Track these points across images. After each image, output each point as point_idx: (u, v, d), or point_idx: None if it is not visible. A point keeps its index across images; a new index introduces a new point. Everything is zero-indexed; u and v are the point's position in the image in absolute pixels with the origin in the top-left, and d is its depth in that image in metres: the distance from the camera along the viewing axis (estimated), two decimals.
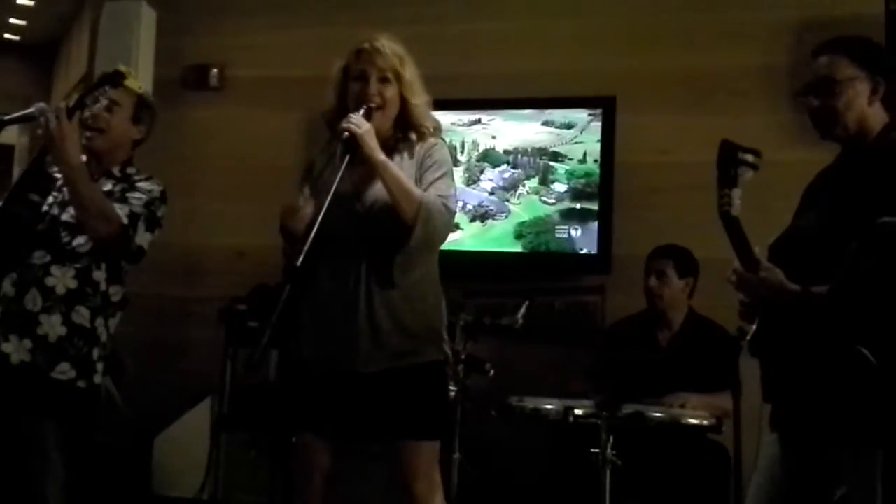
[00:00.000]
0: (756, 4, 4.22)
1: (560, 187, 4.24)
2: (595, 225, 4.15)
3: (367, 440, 2.51)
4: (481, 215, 4.30)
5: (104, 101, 2.77)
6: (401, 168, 2.47)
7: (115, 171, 2.83)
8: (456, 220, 4.11)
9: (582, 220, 4.18)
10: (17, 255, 2.67)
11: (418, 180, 2.48)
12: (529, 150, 4.30)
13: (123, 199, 2.72)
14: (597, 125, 4.23)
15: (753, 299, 2.22)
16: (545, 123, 4.32)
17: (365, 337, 2.42)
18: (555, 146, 4.28)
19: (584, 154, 4.22)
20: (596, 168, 4.19)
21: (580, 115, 4.25)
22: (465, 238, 4.27)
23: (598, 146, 4.20)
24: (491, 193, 4.31)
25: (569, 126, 4.27)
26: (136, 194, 2.76)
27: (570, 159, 4.24)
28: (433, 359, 2.50)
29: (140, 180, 2.82)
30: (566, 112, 4.28)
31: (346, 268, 2.44)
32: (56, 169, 2.75)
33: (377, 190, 2.45)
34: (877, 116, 2.21)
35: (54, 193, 2.78)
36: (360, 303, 2.42)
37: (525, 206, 4.24)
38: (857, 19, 3.66)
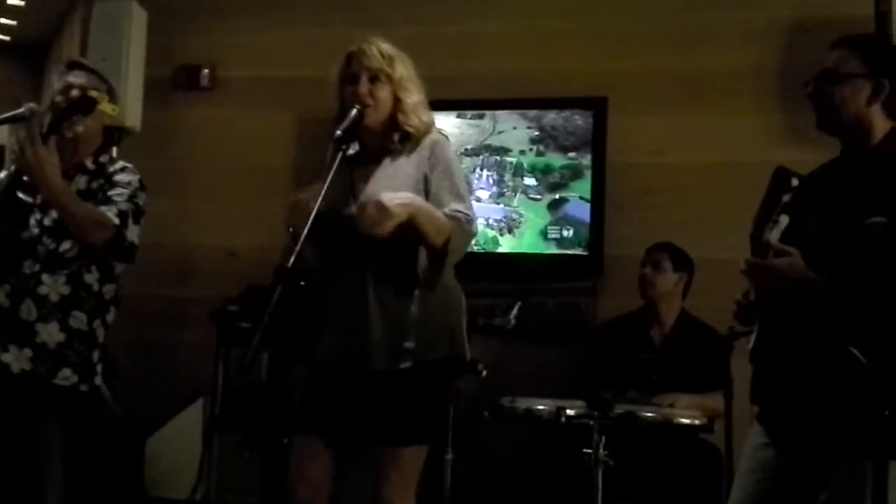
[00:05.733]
0: (748, 5, 4.22)
1: (531, 181, 4.23)
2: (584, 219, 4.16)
3: (367, 440, 2.50)
4: (509, 227, 4.24)
5: (78, 128, 2.68)
6: (396, 168, 2.50)
7: (89, 163, 2.77)
8: (492, 235, 4.18)
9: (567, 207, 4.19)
10: (8, 266, 2.64)
11: (426, 181, 2.48)
12: (478, 147, 4.30)
13: (107, 200, 2.67)
14: (504, 114, 4.27)
15: (765, 286, 2.18)
16: (459, 116, 4.33)
17: (377, 335, 2.43)
18: (487, 140, 4.29)
19: (537, 147, 4.23)
20: (549, 160, 4.21)
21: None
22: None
23: (523, 133, 4.24)
24: (498, 203, 4.27)
25: (480, 116, 4.31)
26: (118, 190, 2.70)
27: (510, 150, 4.26)
28: (445, 354, 2.50)
29: (115, 172, 2.76)
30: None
31: (354, 270, 2.47)
32: (29, 198, 2.69)
33: (377, 190, 2.44)
34: (877, 118, 2.20)
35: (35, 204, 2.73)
36: (369, 302, 2.44)
37: (526, 207, 4.21)
38: (847, 20, 3.67)
